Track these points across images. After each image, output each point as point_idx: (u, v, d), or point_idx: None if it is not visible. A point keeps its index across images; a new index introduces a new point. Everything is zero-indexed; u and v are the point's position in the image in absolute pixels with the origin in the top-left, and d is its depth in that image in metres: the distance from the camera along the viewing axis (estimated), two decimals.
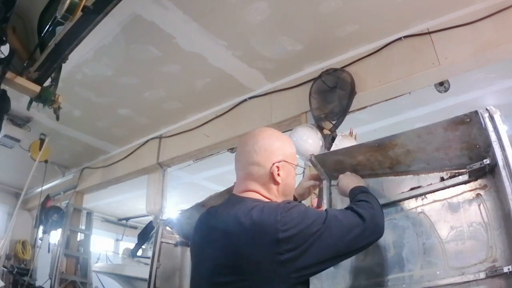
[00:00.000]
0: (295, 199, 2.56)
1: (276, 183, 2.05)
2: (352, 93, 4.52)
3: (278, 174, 2.04)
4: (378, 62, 4.60)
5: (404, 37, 4.47)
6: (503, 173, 1.90)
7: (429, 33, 4.32)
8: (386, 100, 4.66)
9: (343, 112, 4.49)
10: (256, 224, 1.79)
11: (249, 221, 1.81)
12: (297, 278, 1.78)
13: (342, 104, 4.49)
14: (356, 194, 2.21)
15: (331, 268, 2.72)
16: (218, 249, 1.89)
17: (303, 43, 4.70)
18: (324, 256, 1.81)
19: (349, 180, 2.48)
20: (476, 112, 2.09)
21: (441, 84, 4.39)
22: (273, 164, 2.04)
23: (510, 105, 5.37)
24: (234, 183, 2.17)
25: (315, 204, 3.99)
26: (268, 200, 2.01)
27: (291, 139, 4.30)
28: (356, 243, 1.90)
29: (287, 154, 2.12)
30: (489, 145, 2.05)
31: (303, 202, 3.06)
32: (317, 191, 4.01)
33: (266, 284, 1.76)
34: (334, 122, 4.49)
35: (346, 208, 2.02)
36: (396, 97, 4.61)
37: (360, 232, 1.88)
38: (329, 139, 4.39)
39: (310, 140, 4.34)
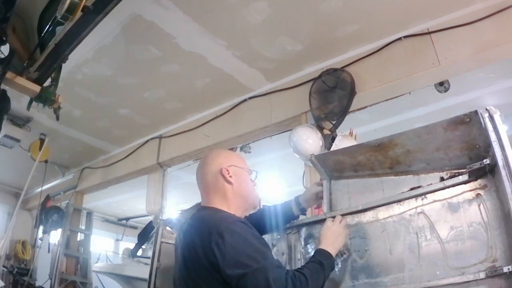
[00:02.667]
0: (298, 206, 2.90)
1: (229, 182, 2.35)
2: (352, 93, 4.51)
3: (230, 176, 2.35)
4: (378, 62, 4.60)
5: (404, 37, 4.47)
6: (503, 173, 1.90)
7: (429, 33, 4.32)
8: (386, 100, 4.66)
9: (343, 112, 4.49)
10: (202, 226, 2.13)
11: (198, 225, 2.17)
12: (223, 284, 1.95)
13: (342, 104, 4.49)
14: (314, 261, 2.24)
15: None
16: (181, 253, 2.21)
17: (303, 43, 4.70)
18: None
19: (327, 235, 2.48)
20: (476, 112, 2.09)
21: (441, 84, 4.39)
22: (222, 168, 2.36)
23: (510, 105, 5.37)
24: None
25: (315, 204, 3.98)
26: (221, 209, 2.28)
27: (291, 138, 4.35)
28: None
29: (235, 160, 2.45)
30: (489, 145, 2.05)
31: (309, 209, 3.13)
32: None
33: (203, 283, 2.00)
34: (334, 122, 4.49)
35: (297, 268, 2.17)
36: (396, 97, 4.61)
37: None
38: (329, 139, 4.39)
39: (310, 140, 4.35)
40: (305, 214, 3.48)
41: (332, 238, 2.45)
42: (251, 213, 2.98)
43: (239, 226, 2.06)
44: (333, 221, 2.55)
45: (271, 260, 2.01)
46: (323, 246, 2.36)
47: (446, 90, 4.41)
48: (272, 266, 1.96)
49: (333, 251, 2.36)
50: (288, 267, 3.04)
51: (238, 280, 1.89)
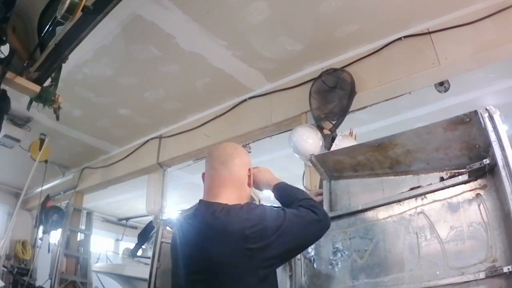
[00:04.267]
0: None
1: (249, 185, 2.36)
2: (352, 93, 4.51)
3: (251, 179, 2.37)
4: (378, 62, 4.60)
5: (404, 37, 4.47)
6: (503, 173, 1.91)
7: (429, 33, 4.32)
8: (386, 100, 4.66)
9: (343, 112, 4.49)
10: (224, 224, 2.02)
11: (218, 221, 2.05)
12: (264, 269, 1.99)
13: (342, 104, 4.49)
14: (289, 190, 2.35)
15: (331, 268, 2.73)
16: (193, 249, 2.11)
17: (303, 43, 4.70)
18: (287, 247, 2.03)
19: (267, 175, 2.51)
20: (475, 112, 2.10)
21: (441, 84, 4.39)
22: (250, 168, 2.37)
23: (510, 105, 5.38)
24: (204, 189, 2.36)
25: None
26: (234, 203, 2.17)
27: (291, 138, 4.35)
28: (314, 236, 2.16)
29: (250, 163, 2.44)
30: (488, 145, 2.05)
31: None
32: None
33: (237, 278, 1.96)
34: (334, 122, 4.49)
35: (298, 206, 2.16)
36: (396, 97, 4.61)
37: (316, 225, 2.10)
38: (329, 139, 4.38)
39: (310, 140, 4.35)
40: None
41: (271, 175, 2.51)
42: None
43: (252, 206, 2.12)
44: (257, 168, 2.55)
45: (284, 210, 2.12)
46: (275, 182, 2.43)
47: (446, 90, 4.40)
48: (289, 210, 2.10)
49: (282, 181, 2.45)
50: (288, 267, 3.05)
51: (280, 238, 1.97)
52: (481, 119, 2.07)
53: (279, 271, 3.16)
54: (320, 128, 4.50)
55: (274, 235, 1.96)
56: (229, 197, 2.20)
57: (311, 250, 2.95)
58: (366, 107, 4.74)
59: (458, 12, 4.15)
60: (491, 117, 2.03)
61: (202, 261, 2.04)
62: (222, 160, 2.31)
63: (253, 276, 1.96)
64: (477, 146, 2.22)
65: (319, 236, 2.19)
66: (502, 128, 1.99)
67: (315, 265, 2.92)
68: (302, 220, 2.05)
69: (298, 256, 3.00)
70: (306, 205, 2.12)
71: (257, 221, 1.99)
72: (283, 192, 2.36)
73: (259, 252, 1.94)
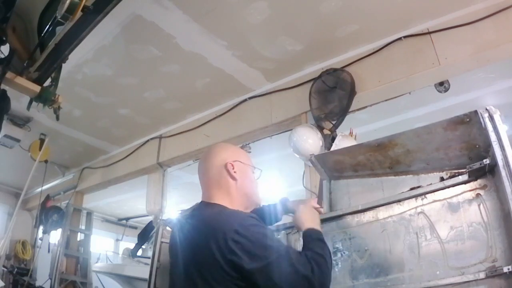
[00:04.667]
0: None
1: (233, 178, 2.26)
2: (352, 93, 4.51)
3: (235, 172, 2.26)
4: (378, 62, 4.60)
5: (404, 37, 4.48)
6: (503, 173, 1.91)
7: (429, 33, 4.32)
8: (386, 100, 4.66)
9: (343, 112, 4.49)
10: (212, 224, 2.02)
11: (206, 223, 2.07)
12: (237, 283, 1.89)
13: (342, 104, 4.49)
14: (314, 240, 2.14)
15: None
16: (186, 250, 2.11)
17: (303, 43, 4.70)
18: (262, 281, 1.86)
19: (306, 216, 2.34)
20: (475, 112, 2.10)
21: (441, 84, 4.39)
22: (227, 162, 2.27)
23: (510, 105, 5.37)
24: None
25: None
26: (225, 206, 2.17)
27: (291, 138, 4.34)
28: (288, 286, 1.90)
29: (241, 156, 2.38)
30: (489, 145, 2.05)
31: None
32: (317, 191, 4.02)
33: (215, 282, 1.91)
34: (334, 122, 4.49)
35: (303, 251, 2.04)
36: (396, 97, 4.60)
37: (302, 283, 1.87)
38: (329, 139, 4.38)
39: (310, 140, 4.35)
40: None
41: (310, 217, 2.33)
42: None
43: (252, 221, 2.00)
44: (305, 204, 2.46)
45: (288, 246, 2.05)
46: (309, 225, 2.24)
47: (446, 90, 4.40)
48: (292, 250, 1.96)
49: (318, 228, 2.25)
50: None
51: (261, 273, 1.85)
52: (481, 119, 2.07)
53: None
54: (320, 128, 4.50)
55: (255, 261, 1.86)
56: (216, 197, 2.24)
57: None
58: (366, 107, 4.74)
59: (458, 12, 4.15)
60: (491, 117, 2.03)
61: (191, 262, 2.05)
62: (200, 166, 2.40)
63: (227, 284, 1.89)
64: (477, 146, 2.22)
65: None
66: (502, 128, 1.99)
67: None
68: (291, 266, 1.88)
69: None
70: (311, 258, 1.95)
71: (247, 234, 1.90)
72: (305, 238, 2.19)
73: (234, 264, 1.86)
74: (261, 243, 1.90)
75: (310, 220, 2.28)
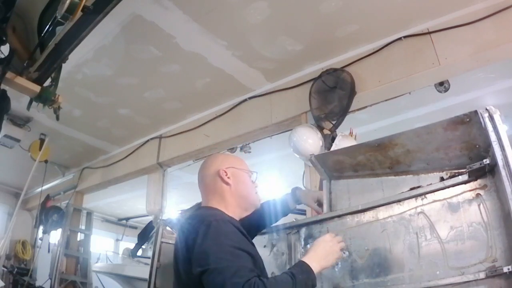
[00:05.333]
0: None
1: (226, 183, 2.38)
2: (352, 93, 4.52)
3: (228, 177, 2.39)
4: (378, 62, 4.60)
5: (404, 37, 4.48)
6: (503, 173, 1.90)
7: (429, 33, 4.32)
8: (386, 100, 4.66)
9: (343, 112, 4.49)
10: (192, 223, 2.16)
11: (182, 230, 2.22)
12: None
13: (342, 104, 4.49)
14: (286, 272, 2.02)
15: (331, 268, 2.72)
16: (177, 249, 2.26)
17: (303, 43, 4.71)
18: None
19: (320, 250, 2.22)
20: (475, 112, 2.10)
21: (441, 84, 4.39)
22: (220, 169, 2.40)
23: (510, 105, 5.37)
24: None
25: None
26: (216, 208, 2.32)
27: (291, 138, 4.34)
28: None
29: (233, 162, 2.49)
30: (489, 145, 2.05)
31: (309, 209, 3.17)
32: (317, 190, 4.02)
33: (188, 278, 2.03)
34: (334, 122, 4.49)
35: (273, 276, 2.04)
36: (396, 97, 4.60)
37: None
38: (329, 139, 4.39)
39: (310, 140, 4.35)
40: (304, 214, 3.47)
41: (322, 253, 2.20)
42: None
43: (220, 224, 2.06)
44: (333, 237, 2.31)
45: (238, 263, 1.90)
46: (308, 258, 2.12)
47: (446, 90, 4.40)
48: (236, 269, 1.85)
49: (317, 267, 2.10)
50: (288, 267, 3.05)
51: (199, 277, 1.91)
52: (481, 119, 2.07)
53: (280, 271, 3.17)
54: (320, 128, 4.50)
55: (199, 266, 1.94)
56: (212, 201, 2.38)
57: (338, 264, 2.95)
58: (366, 107, 4.74)
59: (458, 12, 4.16)
60: (491, 117, 2.03)
61: (176, 257, 2.22)
62: (198, 176, 2.53)
63: None
64: (477, 146, 2.22)
65: None
66: (502, 128, 1.99)
67: None
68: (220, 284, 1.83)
69: (298, 256, 3.00)
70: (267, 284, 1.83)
71: (203, 241, 1.98)
72: (294, 268, 2.09)
73: (197, 273, 1.94)
74: (209, 249, 1.94)
75: (317, 255, 2.17)
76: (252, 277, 1.82)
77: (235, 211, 2.37)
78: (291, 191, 2.97)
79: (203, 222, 2.06)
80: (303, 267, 2.05)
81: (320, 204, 3.01)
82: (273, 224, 2.98)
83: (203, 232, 2.00)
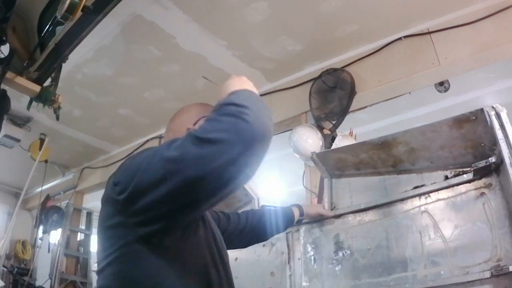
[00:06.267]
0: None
1: None
2: (352, 93, 4.52)
3: None
4: (378, 62, 4.60)
5: (404, 37, 4.48)
6: (510, 171, 1.90)
7: (429, 33, 4.32)
8: (386, 100, 4.65)
9: (343, 112, 4.50)
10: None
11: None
12: (140, 226, 1.37)
13: (342, 104, 4.49)
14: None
15: (332, 267, 2.72)
16: None
17: (303, 43, 4.70)
18: (147, 187, 1.31)
19: (230, 84, 1.71)
20: (481, 110, 2.10)
21: (441, 84, 4.39)
22: (185, 129, 1.75)
23: (510, 105, 5.36)
24: None
25: (315, 203, 3.98)
26: None
27: (291, 138, 4.33)
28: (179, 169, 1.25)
29: (207, 112, 1.71)
30: (494, 143, 2.05)
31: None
32: (317, 190, 4.03)
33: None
34: (334, 122, 4.49)
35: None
36: (396, 97, 4.60)
37: (170, 168, 1.26)
38: (329, 139, 4.39)
39: (310, 140, 4.34)
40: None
41: (237, 84, 1.70)
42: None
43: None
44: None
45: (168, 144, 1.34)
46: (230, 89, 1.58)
47: (446, 90, 4.40)
48: (169, 142, 1.34)
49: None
50: (287, 267, 3.04)
51: (132, 196, 1.35)
52: (488, 117, 2.06)
53: (279, 271, 3.16)
54: (320, 128, 4.50)
55: (133, 178, 1.35)
56: None
57: (310, 249, 2.95)
58: (366, 107, 4.73)
59: (458, 12, 4.16)
60: (498, 115, 2.03)
61: None
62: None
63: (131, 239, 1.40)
64: (482, 144, 2.22)
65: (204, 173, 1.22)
66: (509, 126, 1.99)
67: (315, 265, 2.92)
68: (154, 159, 1.32)
69: (298, 255, 2.99)
70: (199, 127, 1.28)
71: (123, 166, 1.51)
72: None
73: (125, 204, 1.38)
74: (134, 164, 1.42)
75: (235, 87, 1.63)
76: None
77: None
78: (294, 205, 2.76)
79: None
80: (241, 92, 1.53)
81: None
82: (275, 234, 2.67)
83: (130, 159, 1.50)
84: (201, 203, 1.35)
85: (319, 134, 4.41)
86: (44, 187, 7.60)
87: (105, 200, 1.49)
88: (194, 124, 1.78)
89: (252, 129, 1.23)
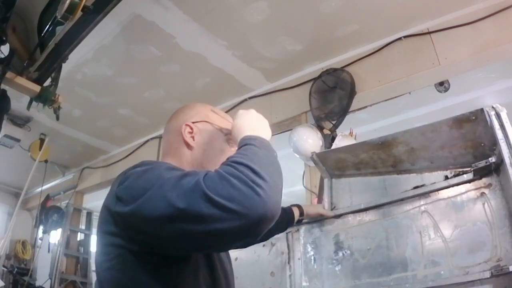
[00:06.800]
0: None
1: (188, 146, 1.66)
2: (352, 93, 4.52)
3: (192, 137, 1.67)
4: (378, 62, 4.60)
5: (404, 37, 4.47)
6: (510, 171, 1.90)
7: (429, 33, 4.32)
8: (386, 100, 4.66)
9: (343, 112, 4.49)
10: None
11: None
12: (134, 243, 1.33)
13: (342, 104, 4.49)
14: (243, 147, 1.40)
15: (332, 267, 2.72)
16: None
17: (303, 43, 4.70)
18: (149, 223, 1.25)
19: (246, 122, 1.62)
20: (481, 110, 2.10)
21: (441, 84, 4.39)
22: (184, 124, 1.70)
23: (510, 105, 5.36)
24: None
25: (315, 203, 3.98)
26: None
27: (291, 138, 4.33)
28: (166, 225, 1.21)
29: (211, 117, 1.76)
30: (494, 143, 2.06)
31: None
32: (317, 191, 4.03)
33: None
34: (334, 122, 4.49)
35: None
36: (396, 97, 4.60)
37: (175, 217, 1.18)
38: (329, 139, 4.38)
39: (310, 140, 4.34)
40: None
41: (251, 124, 1.62)
42: None
43: (153, 164, 1.43)
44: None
45: (177, 173, 1.28)
46: (246, 133, 1.51)
47: (446, 90, 4.40)
48: (176, 177, 1.25)
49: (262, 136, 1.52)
50: (287, 267, 3.04)
51: (129, 218, 1.29)
52: (488, 117, 2.07)
53: (279, 271, 3.16)
54: (320, 128, 4.50)
55: (136, 199, 1.27)
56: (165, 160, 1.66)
57: (310, 249, 2.95)
58: (366, 107, 4.73)
59: (458, 12, 4.15)
60: (498, 115, 2.03)
61: None
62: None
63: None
64: (482, 144, 2.22)
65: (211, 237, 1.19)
66: (509, 126, 1.99)
67: (315, 265, 2.92)
68: (162, 200, 1.20)
69: (298, 255, 2.99)
70: (215, 173, 1.21)
71: (128, 179, 1.37)
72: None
73: (121, 217, 1.33)
74: (139, 183, 1.32)
75: (250, 127, 1.57)
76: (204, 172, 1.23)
77: None
78: (294, 205, 2.76)
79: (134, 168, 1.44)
80: (251, 137, 1.46)
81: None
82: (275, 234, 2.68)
83: (134, 173, 1.39)
84: (192, 251, 1.38)
85: (319, 134, 4.41)
86: (44, 187, 7.62)
87: (105, 205, 1.43)
88: (194, 123, 1.71)
89: (264, 207, 1.16)
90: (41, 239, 7.57)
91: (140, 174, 1.36)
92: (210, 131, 1.72)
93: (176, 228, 1.19)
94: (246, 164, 1.23)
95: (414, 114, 5.72)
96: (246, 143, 1.40)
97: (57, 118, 3.86)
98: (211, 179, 1.19)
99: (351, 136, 4.39)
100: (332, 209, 2.95)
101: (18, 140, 6.38)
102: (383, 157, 2.65)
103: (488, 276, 1.95)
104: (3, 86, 3.47)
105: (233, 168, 1.22)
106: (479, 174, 2.19)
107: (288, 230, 3.03)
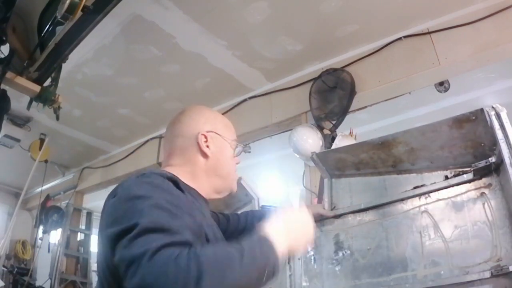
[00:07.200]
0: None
1: (204, 155, 1.74)
2: (352, 93, 4.51)
3: (207, 146, 1.74)
4: (378, 62, 4.60)
5: (404, 37, 4.47)
6: (510, 171, 1.90)
7: (429, 33, 4.32)
8: (386, 100, 4.66)
9: (343, 112, 4.49)
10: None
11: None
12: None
13: (342, 104, 4.49)
14: (249, 249, 1.28)
15: (332, 267, 2.72)
16: None
17: (303, 43, 4.70)
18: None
19: (289, 228, 1.50)
20: (481, 110, 2.10)
21: (441, 84, 4.39)
22: (199, 133, 1.76)
23: (510, 105, 5.36)
24: None
25: (315, 203, 3.98)
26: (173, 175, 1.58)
27: (291, 138, 4.33)
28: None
29: (219, 127, 1.84)
30: (494, 143, 2.05)
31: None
32: (317, 191, 4.03)
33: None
34: (334, 122, 4.49)
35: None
36: (396, 97, 4.60)
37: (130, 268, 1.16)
38: (329, 139, 4.38)
39: (310, 140, 4.34)
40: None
41: (294, 229, 1.52)
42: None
43: (148, 179, 1.43)
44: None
45: (174, 223, 1.26)
46: (274, 232, 1.42)
47: (446, 90, 4.40)
48: (171, 231, 1.22)
49: (282, 248, 1.39)
50: (287, 267, 3.03)
51: (113, 244, 1.28)
52: (488, 117, 2.06)
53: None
54: (320, 128, 4.50)
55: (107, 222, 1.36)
56: (181, 171, 1.69)
57: (311, 249, 2.94)
58: (366, 107, 4.74)
59: (458, 12, 4.15)
60: (498, 115, 2.03)
61: None
62: (168, 130, 1.92)
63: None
64: (482, 144, 2.22)
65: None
66: (509, 126, 1.99)
67: (315, 265, 2.92)
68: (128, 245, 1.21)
69: (298, 255, 2.99)
70: (196, 254, 1.15)
71: (125, 191, 1.40)
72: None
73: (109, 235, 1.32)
74: (127, 205, 1.32)
75: (287, 233, 1.47)
76: (185, 248, 1.18)
77: (204, 190, 1.74)
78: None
79: (128, 180, 1.46)
80: (263, 244, 1.35)
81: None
82: None
83: (125, 187, 1.42)
84: None
85: (319, 134, 4.41)
86: (44, 187, 7.62)
87: (104, 211, 1.45)
88: (208, 132, 1.78)
89: None
90: (41, 239, 7.57)
91: (128, 199, 1.35)
92: (220, 140, 1.81)
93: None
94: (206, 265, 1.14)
95: (414, 114, 5.71)
96: (255, 239, 1.39)
97: (57, 118, 3.87)
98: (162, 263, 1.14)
99: (351, 136, 4.39)
100: (332, 209, 2.94)
101: (18, 140, 6.38)
102: (383, 157, 2.65)
103: (488, 276, 1.95)
104: (3, 86, 3.48)
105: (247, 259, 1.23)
106: (479, 174, 2.18)
107: None
